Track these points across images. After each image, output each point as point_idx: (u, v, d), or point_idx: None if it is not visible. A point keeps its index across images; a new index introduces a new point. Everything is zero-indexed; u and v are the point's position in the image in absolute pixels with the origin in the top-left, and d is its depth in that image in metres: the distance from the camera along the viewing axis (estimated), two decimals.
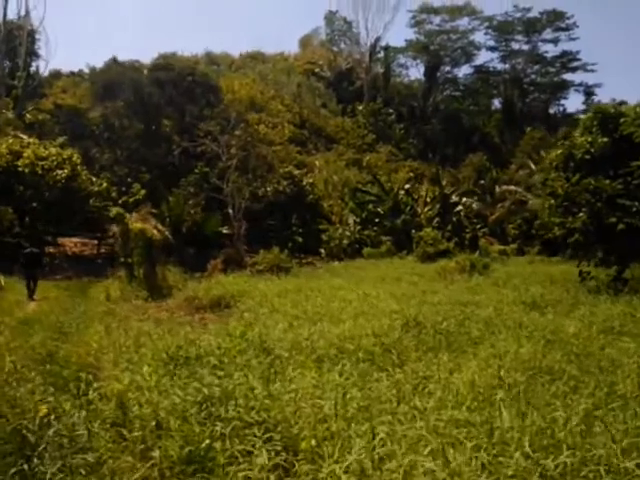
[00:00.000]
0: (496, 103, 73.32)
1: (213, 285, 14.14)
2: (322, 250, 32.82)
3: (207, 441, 3.51)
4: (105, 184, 24.35)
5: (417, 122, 65.34)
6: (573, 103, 76.11)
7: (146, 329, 7.76)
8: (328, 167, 44.71)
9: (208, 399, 4.07)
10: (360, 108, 62.47)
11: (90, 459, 4.05)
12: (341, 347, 5.85)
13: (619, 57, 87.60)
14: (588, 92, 68.92)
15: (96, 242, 26.80)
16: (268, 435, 3.53)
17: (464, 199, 31.96)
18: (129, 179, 27.77)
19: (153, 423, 4.06)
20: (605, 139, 12.45)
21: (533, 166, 34.56)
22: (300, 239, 31.67)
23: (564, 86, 70.67)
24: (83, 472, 3.95)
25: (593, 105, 13.70)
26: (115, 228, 27.37)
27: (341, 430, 3.39)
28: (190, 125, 28.46)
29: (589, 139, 12.69)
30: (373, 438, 3.17)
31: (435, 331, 6.91)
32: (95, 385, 6.02)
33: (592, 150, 12.58)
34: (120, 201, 24.67)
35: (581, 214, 12.41)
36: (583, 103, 69.35)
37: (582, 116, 61.32)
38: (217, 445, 3.49)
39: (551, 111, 72.14)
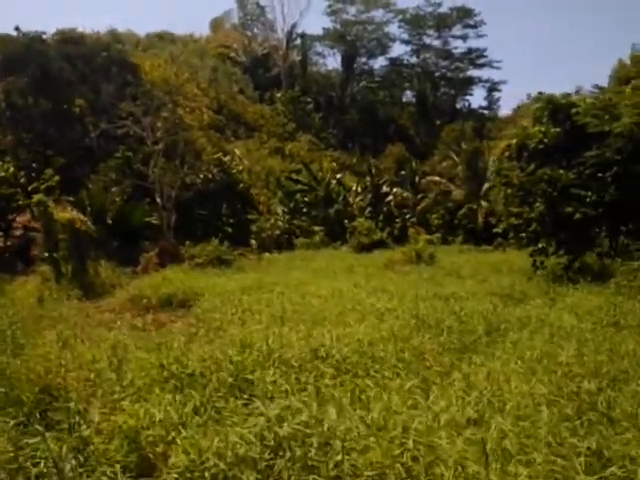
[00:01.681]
0: (409, 95, 75.81)
1: (160, 282, 12.85)
2: (253, 241, 31.84)
3: None
4: (12, 169, 21.43)
5: (335, 112, 65.77)
6: (477, 99, 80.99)
7: (119, 337, 6.57)
8: (250, 155, 43.57)
9: (283, 440, 3.24)
10: (278, 96, 61.62)
11: None
12: (372, 355, 5.24)
13: (523, 54, 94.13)
14: (492, 88, 73.53)
15: (0, 234, 23.76)
16: None
17: (395, 189, 32.52)
18: (34, 164, 24.78)
19: (206, 474, 3.20)
20: (558, 129, 12.89)
21: (456, 158, 36.00)
22: (230, 230, 30.45)
23: (471, 82, 74.58)
24: None
25: (543, 96, 14.05)
26: (23, 218, 24.41)
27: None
28: (108, 105, 25.90)
29: (542, 129, 13.09)
30: None
31: (445, 331, 6.54)
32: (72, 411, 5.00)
33: (545, 140, 12.98)
34: (30, 188, 21.93)
35: (537, 204, 12.81)
36: (485, 99, 74.19)
37: (486, 112, 64.78)
38: None
39: (458, 106, 76.00)
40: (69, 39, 27.75)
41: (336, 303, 9.16)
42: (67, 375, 5.85)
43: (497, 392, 4.33)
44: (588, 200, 12.07)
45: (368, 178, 34.91)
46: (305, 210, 36.22)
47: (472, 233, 33.10)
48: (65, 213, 14.01)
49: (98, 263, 15.09)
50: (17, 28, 26.18)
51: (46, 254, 14.44)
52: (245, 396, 4.37)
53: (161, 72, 46.58)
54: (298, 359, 5.20)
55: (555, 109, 13.35)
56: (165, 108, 23.82)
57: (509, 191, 14.06)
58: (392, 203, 33.05)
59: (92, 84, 26.80)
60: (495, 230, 28.18)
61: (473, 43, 71.28)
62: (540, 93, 55.48)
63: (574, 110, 12.99)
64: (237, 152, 42.83)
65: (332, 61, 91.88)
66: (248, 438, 3.30)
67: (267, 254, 27.76)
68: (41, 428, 4.17)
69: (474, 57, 71.90)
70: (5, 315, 9.73)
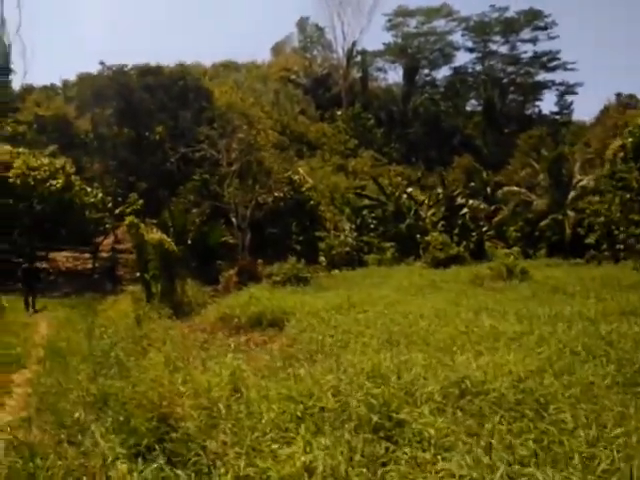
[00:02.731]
0: (473, 105, 73.57)
1: (248, 301, 12.63)
2: (323, 258, 31.48)
3: None
4: (100, 195, 22.51)
5: (397, 126, 65.08)
6: (546, 105, 76.78)
7: (234, 363, 6.14)
8: (314, 174, 43.74)
9: None
10: (339, 114, 61.98)
11: None
12: (534, 391, 4.40)
13: (597, 55, 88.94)
14: (568, 92, 69.57)
15: (88, 256, 25.05)
16: None
17: (470, 201, 31.08)
18: (119, 189, 26.03)
19: None
20: None
21: (537, 165, 33.98)
22: (299, 247, 30.34)
23: (544, 86, 71.01)
24: None
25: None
26: (107, 241, 25.52)
27: None
28: (185, 130, 26.84)
29: None
30: None
31: (604, 360, 5.54)
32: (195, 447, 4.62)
33: None
34: (117, 212, 22.96)
35: None
36: (555, 104, 70.31)
37: (557, 117, 60.92)
38: None
39: (527, 112, 72.55)
40: (148, 70, 29.15)
41: (445, 324, 8.41)
42: (182, 402, 5.52)
43: None
44: None
45: (440, 190, 33.75)
46: (372, 226, 35.62)
47: (557, 246, 30.88)
48: (155, 234, 14.26)
49: (185, 282, 15.22)
50: (102, 62, 27.86)
51: (138, 274, 14.73)
52: (400, 440, 3.75)
53: (228, 98, 48.30)
54: (443, 394, 4.53)
55: None
56: (240, 130, 24.21)
57: (627, 196, 12.57)
58: (467, 216, 31.68)
59: (171, 111, 27.96)
60: (587, 241, 26.08)
61: (544, 46, 67.75)
62: (619, 95, 50.93)
63: None
64: (301, 171, 43.22)
65: (393, 75, 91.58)
66: None
67: (336, 271, 27.32)
68: (181, 474, 3.76)
69: (546, 60, 68.61)
70: (105, 335, 9.78)
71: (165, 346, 7.96)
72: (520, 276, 17.14)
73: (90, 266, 24.05)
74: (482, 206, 31.22)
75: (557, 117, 69.13)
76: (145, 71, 28.72)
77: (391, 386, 4.61)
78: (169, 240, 16.33)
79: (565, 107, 70.25)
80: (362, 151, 56.88)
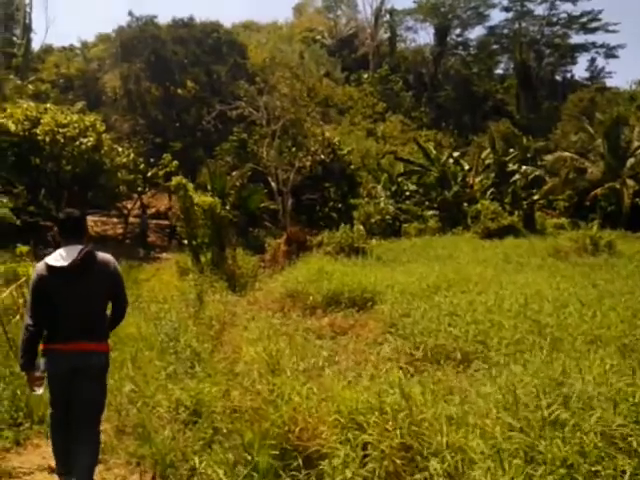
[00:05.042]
0: (505, 68, 70.04)
1: (317, 275, 10.93)
2: (361, 227, 29.70)
3: None
4: (132, 155, 20.76)
5: (426, 89, 62.14)
6: (577, 70, 71.89)
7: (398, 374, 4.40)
8: (344, 139, 41.64)
9: None
10: (365, 76, 59.37)
11: None
12: None
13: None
14: (606, 55, 65.99)
15: (116, 220, 23.68)
16: None
17: (523, 167, 28.78)
18: (150, 149, 24.26)
19: None
20: None
21: (592, 130, 31.32)
22: (335, 215, 28.63)
23: (584, 48, 67.17)
24: None
25: None
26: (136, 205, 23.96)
27: None
28: (222, 86, 24.78)
29: None
30: None
31: None
32: None
33: None
34: (149, 174, 21.30)
35: None
36: (587, 69, 66.17)
37: (589, 83, 57.99)
38: None
39: (558, 77, 68.83)
40: (180, 22, 27.00)
41: (602, 314, 6.66)
42: (324, 432, 3.87)
43: None
44: None
45: (489, 154, 31.43)
46: (408, 193, 33.70)
47: (610, 217, 28.64)
48: (205, 197, 12.57)
49: (236, 251, 13.58)
50: (130, 13, 25.72)
51: (186, 242, 13.13)
52: None
53: (254, 57, 45.83)
54: None
55: None
56: (284, 84, 22.08)
57: None
58: (518, 183, 29.46)
59: (204, 66, 25.85)
60: None
61: (584, 6, 63.87)
62: None
63: None
64: (327, 135, 41.05)
65: (424, 35, 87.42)
66: None
67: (373, 241, 25.64)
68: None
69: (586, 21, 64.40)
70: (167, 315, 8.16)
71: (255, 332, 6.29)
72: (607, 250, 15.29)
73: (120, 231, 22.65)
74: (537, 172, 28.87)
75: (590, 83, 65.11)
76: (176, 23, 26.49)
77: None
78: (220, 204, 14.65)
79: (598, 72, 66.34)
80: (390, 115, 54.61)
